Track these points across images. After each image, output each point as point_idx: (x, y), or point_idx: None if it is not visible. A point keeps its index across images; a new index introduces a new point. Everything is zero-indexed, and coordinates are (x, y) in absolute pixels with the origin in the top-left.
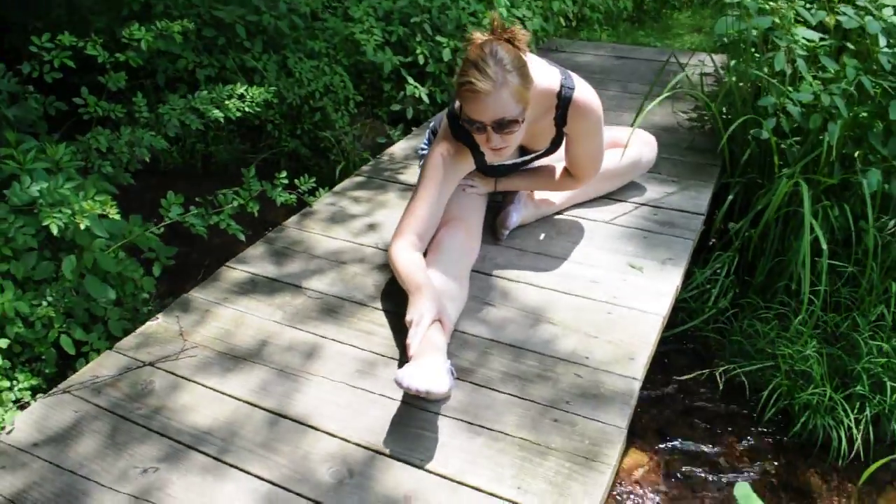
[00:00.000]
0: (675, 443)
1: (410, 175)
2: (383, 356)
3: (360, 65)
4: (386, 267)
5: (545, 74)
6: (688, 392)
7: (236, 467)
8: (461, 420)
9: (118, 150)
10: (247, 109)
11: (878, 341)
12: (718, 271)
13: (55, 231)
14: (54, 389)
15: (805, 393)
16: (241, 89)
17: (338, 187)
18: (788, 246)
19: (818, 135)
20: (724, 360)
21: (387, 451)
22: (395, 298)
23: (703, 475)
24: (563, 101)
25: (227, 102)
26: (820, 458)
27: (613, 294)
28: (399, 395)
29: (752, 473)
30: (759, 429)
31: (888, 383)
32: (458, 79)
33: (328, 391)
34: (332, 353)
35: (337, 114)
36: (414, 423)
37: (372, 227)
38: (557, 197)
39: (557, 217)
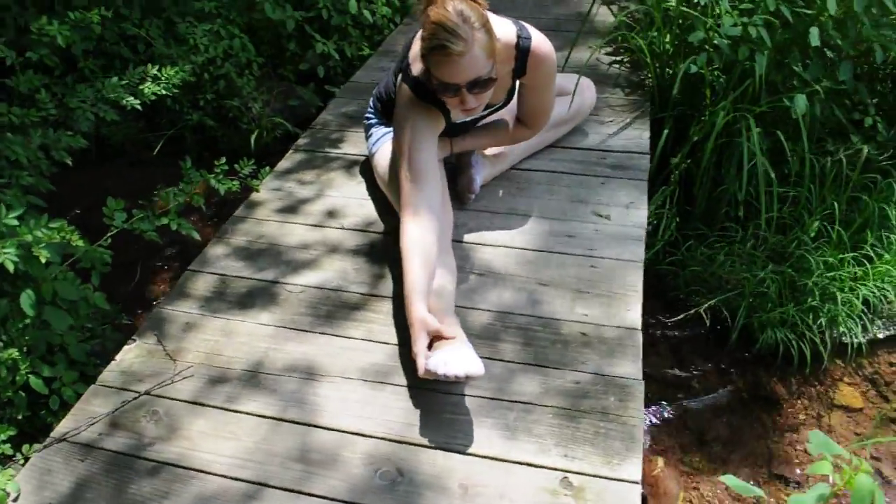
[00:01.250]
0: (647, 370)
1: (353, 146)
2: (391, 344)
3: (254, 23)
4: (362, 250)
5: (501, 27)
6: (653, 324)
7: (285, 489)
8: (487, 398)
9: (32, 157)
10: (163, 92)
11: (823, 256)
12: (661, 206)
13: (11, 268)
14: (48, 441)
15: (766, 312)
16: (153, 70)
17: (279, 167)
18: (725, 173)
19: (744, 65)
20: (680, 289)
21: (427, 442)
22: (384, 279)
23: (680, 399)
24: (522, 53)
25: (141, 87)
26: (782, 369)
27: (590, 247)
28: (420, 383)
29: (724, 391)
30: (726, 350)
31: (838, 294)
32: (425, 44)
33: (348, 391)
34: (338, 350)
35: (242, 79)
36: (443, 409)
37: (331, 211)
38: (509, 151)
39: (512, 172)
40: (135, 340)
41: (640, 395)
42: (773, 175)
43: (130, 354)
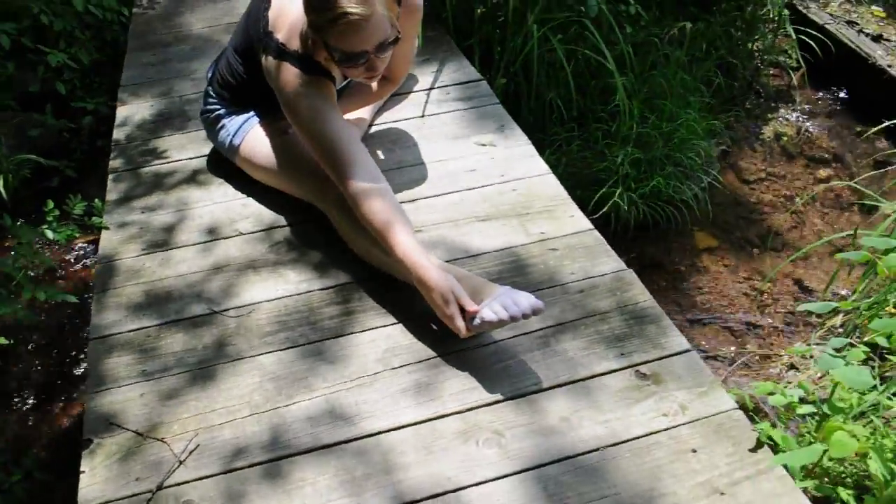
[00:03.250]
0: None
1: (184, 149)
2: (388, 324)
3: None
4: (284, 248)
5: None
6: None
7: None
8: (512, 337)
9: None
10: None
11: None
12: None
13: None
14: None
15: (630, 191)
16: None
17: (110, 198)
18: (542, 84)
19: None
20: None
21: (500, 397)
22: (336, 268)
23: None
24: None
25: None
26: (655, 235)
27: (500, 173)
28: (452, 345)
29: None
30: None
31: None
32: (322, 16)
33: (386, 385)
34: (339, 353)
35: None
36: (488, 362)
37: (212, 226)
38: (367, 111)
39: (376, 132)
40: (91, 441)
41: (637, 280)
42: (572, 81)
43: (98, 458)
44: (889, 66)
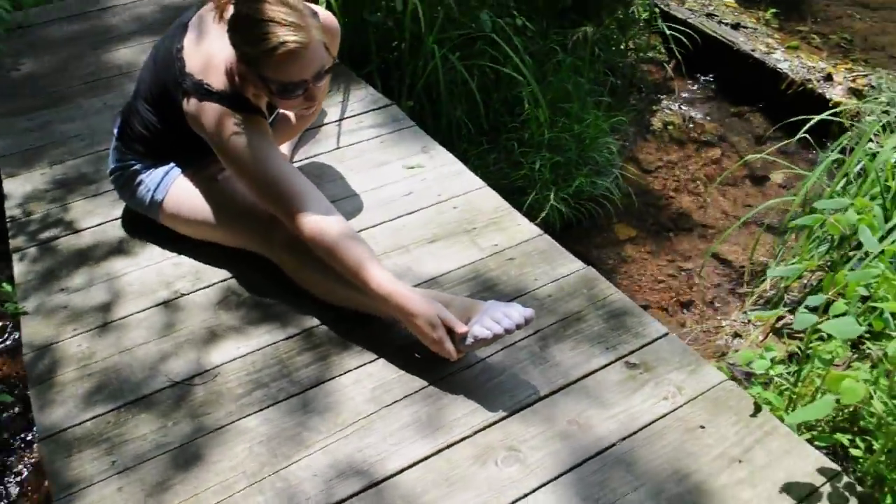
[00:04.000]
0: None
1: (91, 215)
2: (368, 361)
3: None
4: (233, 296)
5: None
6: None
7: None
8: (501, 349)
9: None
10: None
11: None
12: None
13: None
14: None
15: (555, 191)
16: None
17: (21, 280)
18: (447, 103)
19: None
20: None
21: (504, 413)
22: (298, 315)
23: None
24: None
25: None
26: (580, 232)
27: (437, 192)
28: (439, 371)
29: None
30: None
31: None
32: (257, 47)
33: (385, 425)
34: (325, 402)
35: None
36: (481, 381)
37: (146, 290)
38: (285, 147)
39: (297, 165)
40: None
41: (599, 276)
42: (478, 96)
43: None
44: (752, 51)
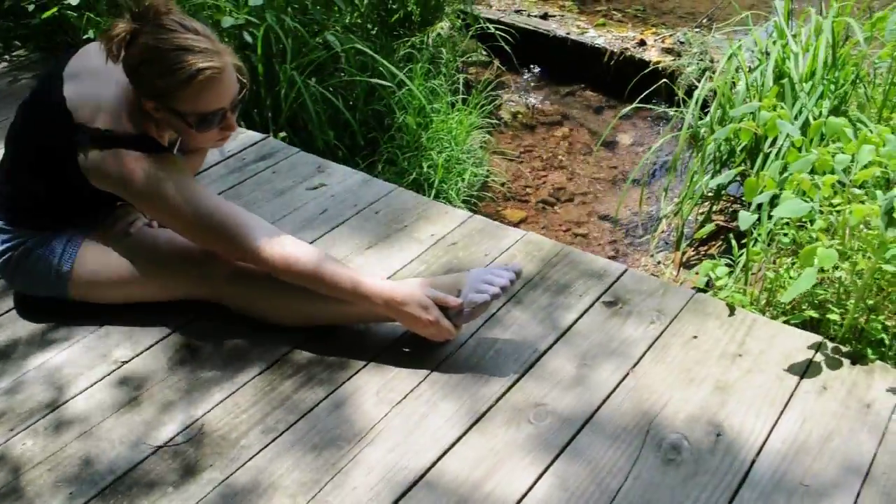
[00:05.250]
0: None
1: None
2: (359, 369)
3: None
4: (184, 348)
5: None
6: None
7: None
8: (485, 323)
9: None
10: None
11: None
12: None
13: None
14: None
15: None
16: None
17: None
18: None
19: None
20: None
21: (516, 374)
22: (249, 343)
23: None
24: None
25: None
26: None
27: (353, 203)
28: (434, 357)
29: None
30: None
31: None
32: (172, 78)
33: (404, 421)
34: (335, 417)
35: None
36: (478, 355)
37: (82, 373)
38: None
39: None
40: None
41: (543, 238)
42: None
43: None
44: (568, 34)
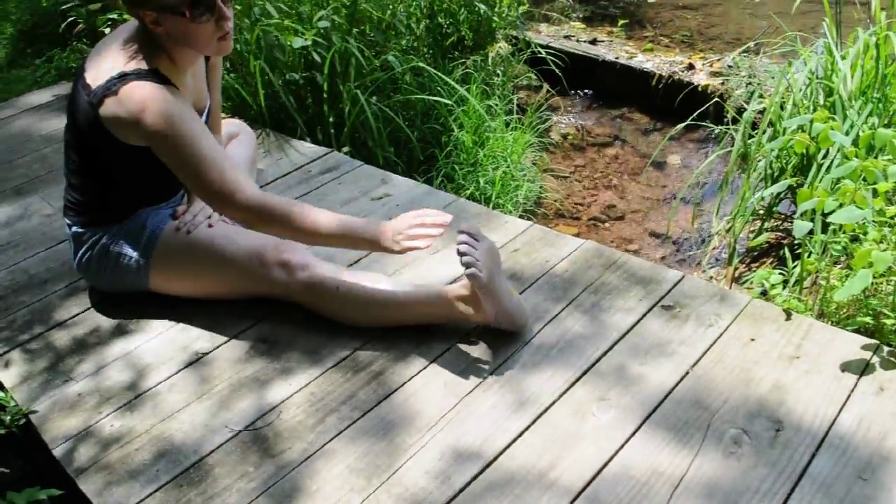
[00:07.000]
0: None
1: (65, 309)
2: (426, 366)
3: None
4: (259, 341)
5: None
6: None
7: None
8: (547, 324)
9: None
10: None
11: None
12: None
13: None
14: None
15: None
16: None
17: (13, 383)
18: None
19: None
20: None
21: (580, 371)
22: (323, 338)
23: None
24: None
25: None
26: None
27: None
28: (500, 354)
29: None
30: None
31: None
32: None
33: (471, 412)
34: (404, 408)
35: None
36: (543, 352)
37: (163, 364)
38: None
39: None
40: None
41: (602, 246)
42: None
43: None
44: (616, 58)
